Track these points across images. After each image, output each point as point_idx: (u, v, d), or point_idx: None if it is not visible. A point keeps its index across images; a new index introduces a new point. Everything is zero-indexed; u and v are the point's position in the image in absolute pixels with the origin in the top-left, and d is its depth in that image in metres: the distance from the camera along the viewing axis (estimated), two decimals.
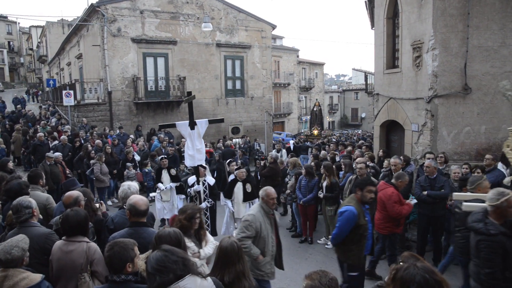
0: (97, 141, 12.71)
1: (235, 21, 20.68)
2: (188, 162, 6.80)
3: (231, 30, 20.56)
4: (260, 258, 4.54)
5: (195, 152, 6.59)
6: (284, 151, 15.52)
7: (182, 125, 6.65)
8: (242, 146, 16.54)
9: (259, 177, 10.80)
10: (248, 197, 7.88)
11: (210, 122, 7.05)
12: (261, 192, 4.85)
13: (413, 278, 1.98)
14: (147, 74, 18.17)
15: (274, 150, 15.54)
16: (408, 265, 2.07)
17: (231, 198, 7.90)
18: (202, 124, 6.70)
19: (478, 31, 8.63)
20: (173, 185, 9.42)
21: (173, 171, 9.58)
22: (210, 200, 7.72)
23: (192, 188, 7.39)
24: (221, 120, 8.01)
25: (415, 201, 6.53)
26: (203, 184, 7.50)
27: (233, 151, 15.45)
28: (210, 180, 7.92)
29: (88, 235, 3.66)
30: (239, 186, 7.87)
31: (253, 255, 4.47)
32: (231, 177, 8.62)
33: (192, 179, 7.61)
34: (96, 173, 10.69)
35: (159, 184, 9.29)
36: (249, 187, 7.88)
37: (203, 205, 7.37)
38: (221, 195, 8.29)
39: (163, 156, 10.13)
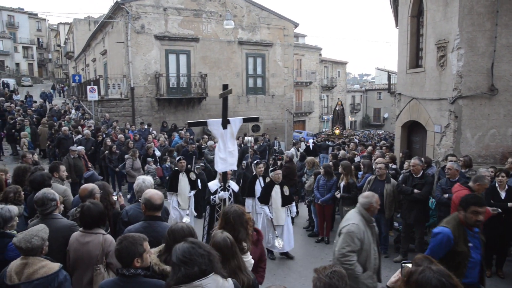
0: (120, 135, 12.94)
1: (257, 19, 20.68)
2: (220, 167, 6.02)
3: (253, 28, 20.57)
4: (361, 276, 4.01)
5: (227, 154, 5.86)
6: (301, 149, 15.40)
7: (214, 124, 5.86)
8: (255, 144, 16.37)
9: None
10: (287, 201, 7.22)
11: (245, 120, 6.30)
12: (363, 199, 4.23)
13: (429, 281, 1.93)
14: (169, 71, 18.40)
15: (292, 148, 15.44)
16: (423, 268, 2.02)
17: (268, 204, 7.14)
18: (235, 122, 5.92)
19: (507, 29, 8.34)
20: (193, 193, 8.36)
21: (192, 175, 8.36)
22: None
23: (217, 196, 6.56)
24: (256, 119, 7.11)
25: (499, 210, 5.92)
26: (228, 190, 6.67)
27: (247, 148, 15.43)
28: (234, 185, 7.07)
29: (104, 227, 3.73)
30: (276, 190, 7.14)
31: (356, 273, 3.95)
32: (259, 179, 7.85)
33: (214, 185, 6.83)
34: (127, 168, 10.90)
35: (177, 200, 8.10)
36: (286, 190, 7.22)
37: None
38: (248, 200, 7.62)
39: (180, 157, 8.78)
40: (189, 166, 8.79)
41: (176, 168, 8.38)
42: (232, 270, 2.79)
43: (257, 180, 7.79)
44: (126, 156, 11.19)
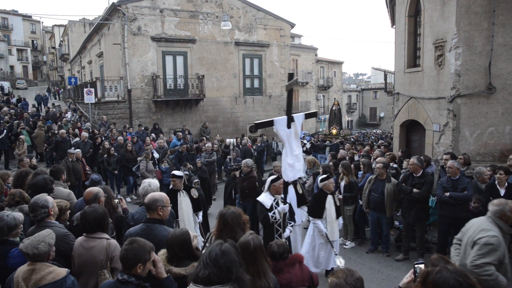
0: (119, 138, 12.90)
1: (254, 20, 20.68)
2: (289, 175, 5.11)
3: (249, 29, 20.57)
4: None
5: (294, 159, 5.03)
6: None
7: (280, 123, 4.93)
8: (252, 145, 16.14)
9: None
10: (339, 212, 6.43)
11: (306, 116, 5.43)
12: (495, 207, 3.85)
13: (446, 281, 1.92)
14: (166, 73, 18.35)
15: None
16: (439, 268, 2.01)
17: (322, 217, 6.26)
18: (299, 119, 5.06)
19: (504, 29, 8.39)
20: (201, 217, 6.88)
21: (194, 192, 6.60)
22: (292, 223, 5.85)
23: (278, 210, 5.38)
24: (315, 114, 6.24)
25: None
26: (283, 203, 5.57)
27: (250, 150, 15.37)
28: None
29: (107, 231, 3.71)
30: (330, 201, 6.28)
31: (501, 283, 3.52)
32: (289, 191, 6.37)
33: (267, 199, 5.50)
34: (142, 170, 10.90)
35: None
36: (337, 200, 6.47)
37: (287, 232, 5.55)
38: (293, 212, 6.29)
39: (174, 173, 6.54)
40: (194, 189, 6.95)
41: (171, 187, 6.42)
42: (250, 274, 2.74)
43: (289, 187, 6.75)
44: (139, 158, 11.24)
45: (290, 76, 5.04)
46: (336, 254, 6.05)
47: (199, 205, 6.74)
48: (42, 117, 19.00)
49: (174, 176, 6.32)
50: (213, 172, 12.78)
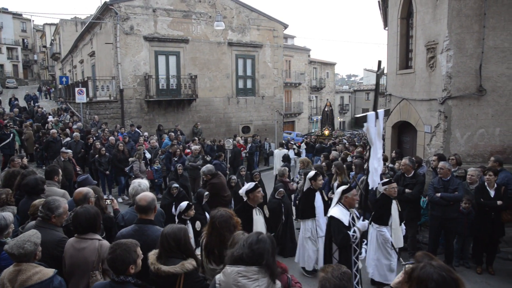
0: (111, 138, 12.81)
1: (247, 20, 20.68)
2: (375, 181, 4.58)
3: (243, 29, 20.56)
4: None
5: (378, 163, 4.50)
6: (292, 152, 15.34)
7: (371, 119, 4.30)
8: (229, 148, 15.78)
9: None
10: (401, 218, 5.97)
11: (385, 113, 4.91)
12: None
13: (430, 276, 1.96)
14: (158, 72, 18.26)
15: (276, 150, 15.35)
16: (424, 264, 2.06)
17: (388, 224, 5.83)
18: (381, 116, 4.48)
19: (494, 32, 8.48)
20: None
21: (267, 211, 5.81)
22: (365, 241, 5.38)
23: (356, 227, 4.63)
24: (388, 112, 5.62)
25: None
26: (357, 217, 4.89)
27: (239, 150, 15.33)
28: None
29: (99, 232, 3.67)
30: (394, 206, 5.81)
31: None
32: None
33: (342, 214, 4.64)
34: (135, 171, 10.83)
35: None
36: (399, 205, 5.95)
37: (363, 253, 4.98)
38: (307, 223, 6.29)
39: (189, 202, 5.75)
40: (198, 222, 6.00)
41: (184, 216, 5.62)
42: None
43: (316, 195, 6.53)
44: (132, 159, 11.17)
45: (379, 64, 4.47)
46: (404, 264, 5.53)
47: (270, 224, 5.75)
48: (23, 116, 18.64)
49: (190, 205, 5.51)
50: (198, 178, 11.08)
